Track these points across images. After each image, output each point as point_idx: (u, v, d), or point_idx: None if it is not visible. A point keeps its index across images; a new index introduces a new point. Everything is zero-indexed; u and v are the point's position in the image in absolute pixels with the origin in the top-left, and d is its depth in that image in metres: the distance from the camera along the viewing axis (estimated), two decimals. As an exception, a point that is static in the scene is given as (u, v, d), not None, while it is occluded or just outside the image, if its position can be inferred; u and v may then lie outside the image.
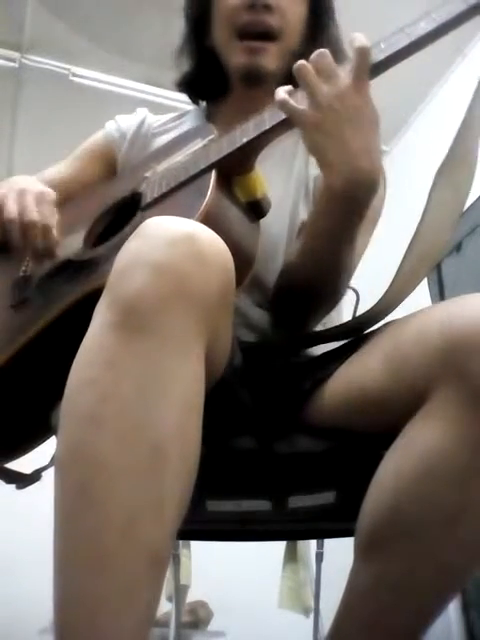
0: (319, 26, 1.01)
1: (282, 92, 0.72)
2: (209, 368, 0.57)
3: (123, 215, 0.83)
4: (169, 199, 0.77)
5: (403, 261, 0.71)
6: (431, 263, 0.77)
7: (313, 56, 0.71)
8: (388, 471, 0.62)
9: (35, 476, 0.90)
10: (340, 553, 1.00)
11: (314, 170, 1.01)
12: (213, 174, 0.73)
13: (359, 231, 0.77)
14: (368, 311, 0.76)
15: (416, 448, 0.60)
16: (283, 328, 0.89)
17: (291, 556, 1.82)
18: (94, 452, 0.51)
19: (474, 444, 0.57)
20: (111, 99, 2.67)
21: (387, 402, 0.66)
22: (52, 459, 0.87)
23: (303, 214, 0.98)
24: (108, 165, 1.07)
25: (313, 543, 1.47)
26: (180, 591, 1.70)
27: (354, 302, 1.24)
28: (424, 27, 0.69)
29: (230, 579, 2.44)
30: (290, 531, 1.02)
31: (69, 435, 0.53)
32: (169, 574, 1.62)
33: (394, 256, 0.75)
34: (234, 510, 0.75)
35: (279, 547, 1.83)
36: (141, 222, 0.59)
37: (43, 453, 0.86)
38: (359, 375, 0.70)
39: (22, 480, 0.90)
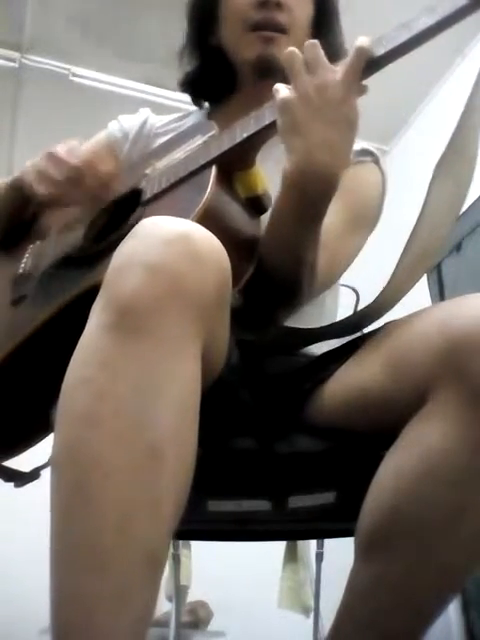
0: (324, 27, 1.01)
1: (281, 85, 0.72)
2: (206, 367, 0.57)
3: (123, 211, 0.83)
4: (169, 195, 0.77)
5: (402, 256, 0.71)
6: (431, 258, 0.77)
7: (306, 45, 0.72)
8: (388, 471, 0.62)
9: (34, 474, 0.90)
10: (340, 553, 1.00)
11: None
12: (213, 170, 0.73)
13: (318, 227, 0.76)
14: (367, 307, 0.76)
15: (416, 448, 0.60)
16: (252, 318, 0.88)
17: (291, 556, 1.82)
18: (90, 452, 0.51)
19: (474, 444, 0.57)
20: (111, 99, 2.67)
21: (387, 402, 0.66)
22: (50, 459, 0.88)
23: None
24: (114, 157, 1.07)
25: (313, 543, 1.47)
26: (180, 591, 1.70)
27: (354, 302, 1.24)
28: (426, 21, 0.69)
29: (230, 579, 2.44)
30: (290, 531, 1.02)
31: (65, 435, 0.53)
32: (169, 574, 1.62)
33: (394, 255, 0.74)
34: (234, 510, 0.75)
35: (279, 547, 1.83)
36: (141, 218, 0.59)
37: (42, 451, 0.86)
38: (359, 375, 0.70)
39: (21, 478, 0.90)
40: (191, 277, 0.54)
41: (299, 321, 0.94)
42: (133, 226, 0.59)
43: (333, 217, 0.86)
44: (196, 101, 1.11)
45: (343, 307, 1.08)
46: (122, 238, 0.58)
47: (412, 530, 0.59)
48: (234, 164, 0.76)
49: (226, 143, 0.76)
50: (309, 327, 0.88)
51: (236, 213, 0.74)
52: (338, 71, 0.70)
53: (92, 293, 0.57)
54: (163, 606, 1.83)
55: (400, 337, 0.67)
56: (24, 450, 0.88)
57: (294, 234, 0.76)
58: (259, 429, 0.75)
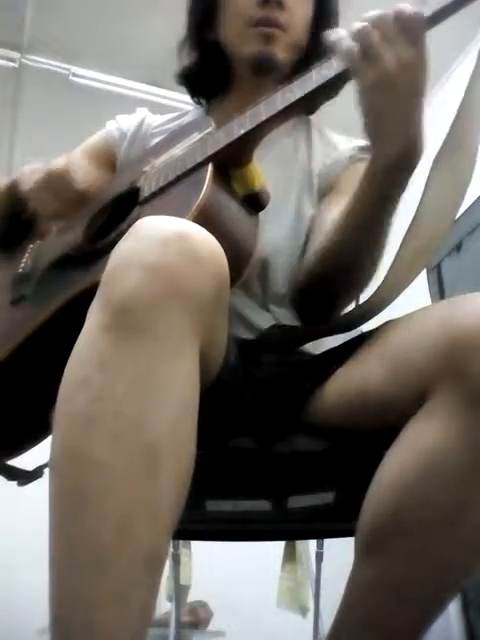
0: (323, 28, 1.01)
1: (339, 35, 0.69)
2: (204, 368, 0.57)
3: (121, 210, 0.83)
4: (166, 193, 0.77)
5: (400, 250, 0.70)
6: (430, 253, 0.76)
7: (375, 18, 0.67)
8: (388, 470, 0.62)
9: (37, 473, 0.90)
10: (340, 553, 1.00)
11: (317, 166, 1.00)
12: (210, 167, 0.73)
13: (400, 197, 0.75)
14: (365, 302, 0.75)
15: (416, 448, 0.60)
16: (311, 314, 0.88)
17: (290, 556, 1.82)
18: (88, 452, 0.50)
19: (474, 443, 0.57)
20: (111, 99, 2.67)
21: (387, 402, 0.66)
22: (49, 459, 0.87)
23: (308, 210, 0.98)
24: (108, 164, 1.07)
25: (313, 543, 1.47)
26: (180, 591, 1.70)
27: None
28: (437, 2, 0.68)
29: (230, 579, 2.44)
30: (290, 531, 1.02)
31: (63, 435, 0.53)
32: (169, 574, 1.62)
33: (393, 252, 0.74)
34: (234, 510, 0.75)
35: (279, 547, 1.83)
36: (139, 216, 0.59)
37: (45, 449, 0.86)
38: (359, 375, 0.70)
39: (24, 477, 0.90)
40: (189, 277, 0.54)
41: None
42: (131, 225, 0.59)
43: None
44: (193, 96, 1.12)
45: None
46: (120, 237, 0.58)
47: (412, 529, 0.59)
48: (231, 161, 0.75)
49: (223, 140, 0.75)
50: (311, 326, 0.88)
51: (234, 210, 0.74)
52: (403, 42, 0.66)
53: (91, 293, 0.57)
54: (163, 606, 1.83)
55: (400, 336, 0.67)
56: (26, 450, 0.88)
57: (383, 214, 0.76)
58: (258, 429, 0.75)
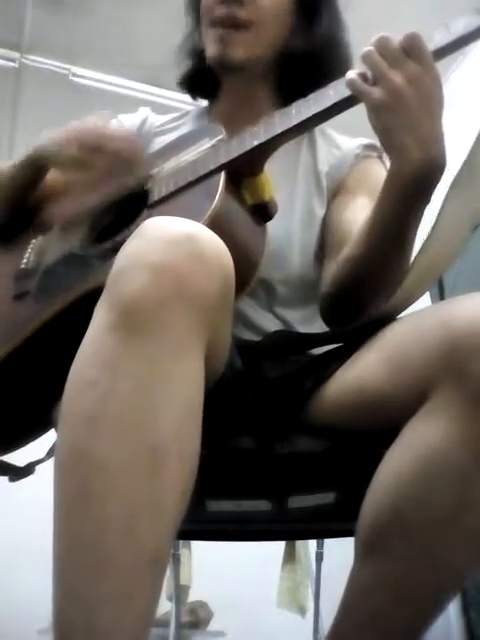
0: (309, 18, 1.01)
1: (352, 73, 0.70)
2: (209, 368, 0.57)
3: (128, 211, 0.83)
4: (177, 199, 0.77)
5: (411, 269, 0.71)
6: (438, 272, 0.77)
7: (375, 42, 0.69)
8: (388, 471, 0.62)
9: (28, 469, 0.90)
10: (340, 553, 1.00)
11: (324, 166, 1.01)
12: (223, 176, 0.73)
13: (422, 216, 0.75)
14: (373, 316, 0.76)
15: (416, 447, 0.60)
16: (340, 320, 0.87)
17: (289, 556, 1.83)
18: (94, 453, 0.51)
19: (474, 443, 0.57)
20: (111, 99, 2.67)
21: (387, 402, 0.66)
22: (48, 453, 0.88)
23: (319, 210, 0.98)
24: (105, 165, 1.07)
25: (313, 543, 1.47)
26: (180, 591, 1.70)
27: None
28: (440, 39, 0.69)
29: (230, 579, 2.44)
30: (290, 531, 1.02)
31: (69, 436, 0.53)
32: (169, 574, 1.62)
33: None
34: (234, 510, 0.75)
35: (279, 547, 1.83)
36: (144, 222, 0.59)
37: (38, 446, 0.86)
38: (359, 375, 0.70)
39: (15, 472, 0.89)
40: (195, 278, 0.54)
41: (313, 324, 0.94)
42: None
43: (364, 213, 0.86)
44: (194, 98, 1.12)
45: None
46: (127, 239, 0.58)
47: (412, 530, 0.59)
48: (242, 170, 0.75)
49: (236, 150, 0.76)
50: (313, 333, 0.89)
51: (243, 219, 0.74)
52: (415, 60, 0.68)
53: (96, 293, 0.57)
54: (163, 606, 1.83)
55: (400, 336, 0.67)
56: (23, 445, 0.88)
57: (406, 227, 0.75)
58: (259, 429, 0.75)
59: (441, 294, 2.31)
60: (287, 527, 0.88)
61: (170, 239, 0.55)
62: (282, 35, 0.98)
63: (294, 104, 0.76)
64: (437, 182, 0.70)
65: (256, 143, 0.75)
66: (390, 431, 0.63)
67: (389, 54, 0.68)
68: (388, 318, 0.73)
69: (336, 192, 0.99)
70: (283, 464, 0.75)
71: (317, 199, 0.98)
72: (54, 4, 2.43)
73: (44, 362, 0.76)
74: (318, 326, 0.93)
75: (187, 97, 1.14)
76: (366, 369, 0.69)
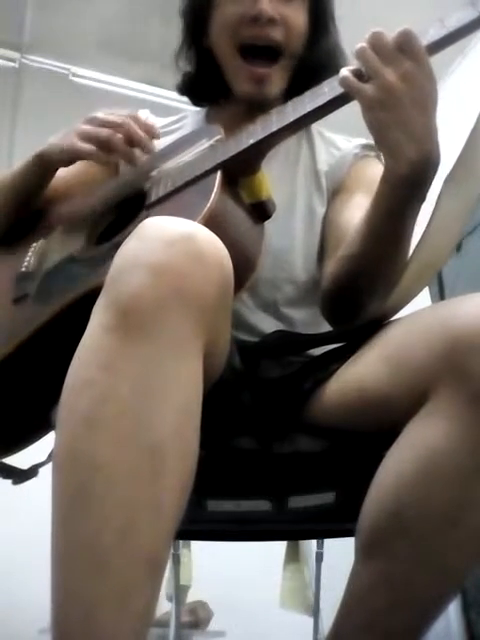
0: (320, 31, 1.00)
1: (345, 70, 0.70)
2: (208, 369, 0.57)
3: (127, 213, 0.83)
4: (174, 199, 0.77)
5: (408, 266, 0.71)
6: (435, 268, 0.77)
7: (369, 38, 0.69)
8: (389, 471, 0.62)
9: (32, 472, 0.90)
10: (340, 553, 1.00)
11: (323, 166, 1.01)
12: (218, 175, 0.73)
13: (419, 208, 0.74)
14: (371, 314, 0.76)
15: (417, 448, 0.60)
16: (341, 318, 0.88)
17: (292, 556, 1.82)
18: (92, 454, 0.51)
19: (475, 444, 0.57)
20: (111, 99, 2.67)
21: (388, 402, 0.66)
22: (50, 456, 0.88)
23: (320, 209, 0.98)
24: (111, 165, 1.07)
25: (313, 543, 1.47)
26: (180, 591, 1.70)
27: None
28: (434, 34, 0.69)
29: (230, 579, 2.44)
30: (290, 531, 1.02)
31: (67, 436, 0.53)
32: (169, 574, 1.62)
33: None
34: (234, 510, 0.75)
35: (280, 547, 1.83)
36: (142, 222, 0.59)
37: (41, 449, 0.86)
38: (360, 375, 0.70)
39: (19, 475, 0.90)
40: (194, 278, 0.54)
41: (319, 324, 0.95)
42: None
43: (362, 212, 0.86)
44: (196, 103, 1.12)
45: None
46: (125, 240, 0.58)
47: (412, 530, 0.59)
48: (239, 169, 0.75)
49: (232, 149, 0.76)
50: (312, 333, 0.89)
51: (240, 219, 0.74)
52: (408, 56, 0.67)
53: (95, 294, 0.57)
54: (163, 606, 1.83)
55: (400, 337, 0.67)
56: (23, 448, 0.88)
57: (402, 225, 0.75)
58: (259, 429, 0.75)
59: (441, 294, 2.31)
60: (287, 527, 0.88)
61: (168, 239, 0.55)
62: (301, 51, 0.97)
63: (290, 102, 0.76)
64: (431, 179, 0.70)
65: (252, 142, 0.75)
66: (390, 432, 0.64)
67: (382, 51, 0.67)
68: (387, 315, 0.73)
69: (336, 191, 0.99)
70: (283, 464, 0.75)
71: (318, 198, 0.98)
72: (54, 4, 2.43)
73: (43, 364, 0.76)
74: (325, 326, 0.93)
75: (187, 98, 1.13)
76: (366, 369, 0.69)
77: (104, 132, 0.84)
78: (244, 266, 0.70)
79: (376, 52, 0.68)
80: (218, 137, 0.83)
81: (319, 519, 0.79)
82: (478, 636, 1.83)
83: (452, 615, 1.86)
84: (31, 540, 1.66)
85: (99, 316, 0.55)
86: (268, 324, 0.93)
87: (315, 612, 1.42)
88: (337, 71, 0.97)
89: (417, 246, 0.70)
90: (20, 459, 0.89)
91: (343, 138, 1.07)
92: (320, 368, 0.77)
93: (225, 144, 0.79)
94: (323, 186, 0.99)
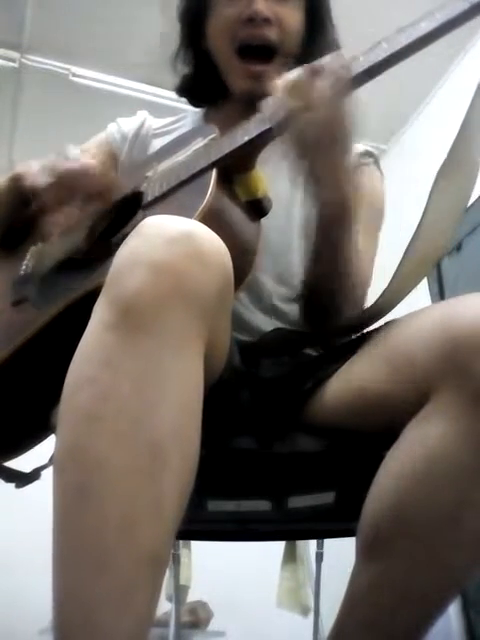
0: (317, 30, 1.01)
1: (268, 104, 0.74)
2: (208, 367, 0.57)
3: (124, 214, 0.83)
4: (170, 198, 0.77)
5: (402, 261, 0.71)
6: (430, 264, 0.77)
7: (289, 74, 0.72)
8: (390, 471, 0.62)
9: (34, 475, 0.90)
10: (340, 553, 1.00)
11: None
12: (214, 173, 0.73)
13: (353, 229, 0.78)
14: (367, 309, 0.76)
15: (418, 448, 0.60)
16: (315, 323, 0.90)
17: (290, 556, 1.82)
18: (93, 452, 0.51)
19: (475, 444, 0.57)
20: (111, 99, 2.67)
21: (388, 402, 0.66)
22: (51, 458, 0.88)
23: None
24: (110, 166, 1.07)
25: (313, 543, 1.47)
26: (180, 591, 1.70)
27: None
28: (426, 26, 0.69)
29: (230, 579, 2.44)
30: (290, 531, 1.02)
31: (67, 434, 0.53)
32: (169, 574, 1.62)
33: (393, 256, 0.74)
34: (234, 510, 0.75)
35: (279, 547, 1.83)
36: (142, 221, 0.59)
37: (42, 452, 0.86)
38: (360, 375, 0.70)
39: (21, 479, 0.90)
40: (194, 276, 0.54)
41: None
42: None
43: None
44: (193, 105, 1.12)
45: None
46: (123, 241, 0.58)
47: (413, 530, 0.59)
48: (235, 167, 0.76)
49: (227, 146, 0.76)
50: (312, 332, 0.89)
51: (236, 216, 0.74)
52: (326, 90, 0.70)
53: (93, 296, 0.57)
54: (163, 606, 1.83)
55: (401, 337, 0.67)
56: (24, 451, 0.88)
57: (341, 245, 0.79)
58: (259, 429, 0.75)
59: (441, 294, 2.31)
60: (287, 527, 0.88)
61: (169, 237, 0.55)
62: (298, 51, 0.98)
63: None
64: (348, 216, 0.76)
65: (246, 139, 0.75)
66: (390, 432, 0.63)
67: (299, 87, 0.72)
68: (383, 312, 0.73)
69: None
70: (283, 464, 0.75)
71: None
72: (54, 4, 2.43)
73: (44, 366, 0.76)
74: None
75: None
76: (367, 369, 0.69)
77: (60, 170, 0.83)
78: (241, 264, 0.70)
79: (293, 87, 0.72)
80: (212, 136, 0.83)
81: (319, 519, 0.79)
82: (478, 636, 1.83)
83: (452, 615, 1.86)
84: (31, 539, 1.66)
85: (100, 314, 0.55)
86: (266, 323, 0.93)
87: (315, 612, 1.42)
88: None
89: (411, 241, 0.70)
90: (22, 463, 0.89)
91: None
92: (320, 368, 0.77)
93: (220, 142, 0.79)
94: None
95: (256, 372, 0.80)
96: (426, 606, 0.61)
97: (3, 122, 2.83)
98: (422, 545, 0.59)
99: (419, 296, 0.76)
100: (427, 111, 2.83)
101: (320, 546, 1.36)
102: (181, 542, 1.59)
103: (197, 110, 1.12)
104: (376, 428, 0.68)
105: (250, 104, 0.96)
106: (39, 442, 0.86)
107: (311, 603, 1.76)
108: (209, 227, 0.59)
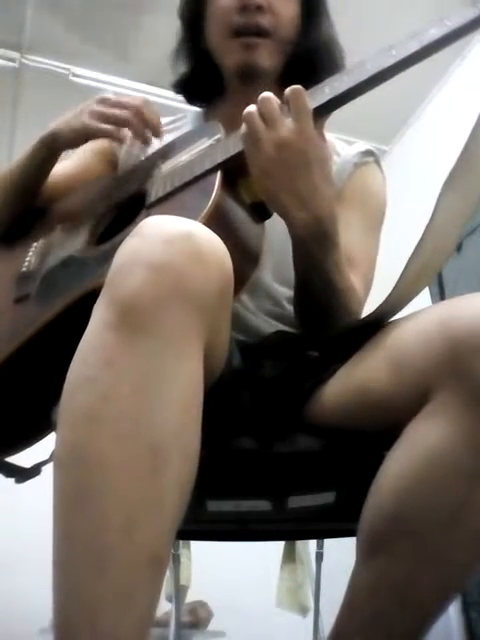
0: (311, 23, 1.02)
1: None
2: (208, 367, 0.57)
3: (127, 213, 0.83)
4: (174, 199, 0.77)
5: (408, 265, 0.71)
6: (435, 268, 0.77)
7: (260, 99, 0.73)
8: (390, 471, 0.62)
9: (35, 470, 0.90)
10: (340, 553, 1.00)
11: None
12: (219, 175, 0.73)
13: (335, 252, 0.78)
14: (370, 315, 0.76)
15: (418, 448, 0.60)
16: (307, 327, 0.90)
17: (289, 556, 1.82)
18: (93, 452, 0.51)
19: (476, 444, 0.57)
20: (111, 99, 2.67)
21: (388, 402, 0.66)
22: (52, 455, 0.88)
23: None
24: (110, 164, 1.07)
25: (313, 543, 1.47)
26: (180, 591, 1.70)
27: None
28: (435, 33, 0.69)
29: (230, 579, 2.44)
30: (290, 531, 1.02)
31: (68, 434, 0.53)
32: (169, 574, 1.62)
33: (393, 256, 0.74)
34: (234, 510, 0.75)
35: (279, 547, 1.83)
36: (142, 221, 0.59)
37: (43, 447, 0.86)
38: (360, 375, 0.70)
39: (21, 474, 0.90)
40: (194, 276, 0.54)
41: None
42: None
43: (355, 229, 0.87)
44: (191, 103, 1.12)
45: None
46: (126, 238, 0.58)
47: (413, 530, 0.59)
48: (239, 169, 0.76)
49: (232, 148, 0.76)
50: (313, 334, 0.89)
51: (241, 218, 0.74)
52: (290, 120, 0.71)
53: (95, 294, 0.57)
54: (163, 606, 1.83)
55: (401, 337, 0.67)
56: (26, 447, 0.88)
57: (321, 270, 0.79)
58: (259, 429, 0.75)
59: (441, 294, 2.31)
60: (287, 527, 0.88)
61: (168, 237, 0.55)
62: (293, 40, 0.99)
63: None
64: (329, 235, 0.75)
65: None
66: (391, 431, 0.63)
67: (268, 115, 0.72)
68: (387, 316, 0.73)
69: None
70: (283, 464, 0.75)
71: None
72: (54, 4, 2.43)
73: (45, 364, 0.76)
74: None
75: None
76: (367, 369, 0.69)
77: (118, 112, 0.87)
78: (244, 266, 0.70)
79: (261, 115, 0.72)
80: (218, 136, 0.83)
81: (319, 519, 0.79)
82: (478, 636, 1.83)
83: (452, 615, 1.86)
84: (32, 539, 1.66)
85: (100, 314, 0.55)
86: (267, 324, 0.93)
87: (315, 612, 1.42)
88: (332, 61, 1.00)
89: (417, 247, 0.70)
90: (23, 458, 0.89)
91: (343, 143, 1.07)
92: (320, 368, 0.77)
93: (225, 143, 0.79)
94: None
95: (256, 372, 0.80)
96: (426, 606, 0.61)
97: (3, 122, 2.83)
98: (422, 545, 0.59)
99: (419, 296, 0.76)
100: (427, 111, 2.84)
101: (320, 546, 1.36)
102: (181, 542, 1.58)
103: (197, 110, 1.12)
104: (376, 428, 0.68)
105: (246, 88, 0.97)
106: (40, 439, 0.86)
107: (310, 603, 1.76)
108: (213, 229, 0.59)
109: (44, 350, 0.76)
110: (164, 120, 1.11)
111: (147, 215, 0.76)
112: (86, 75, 2.70)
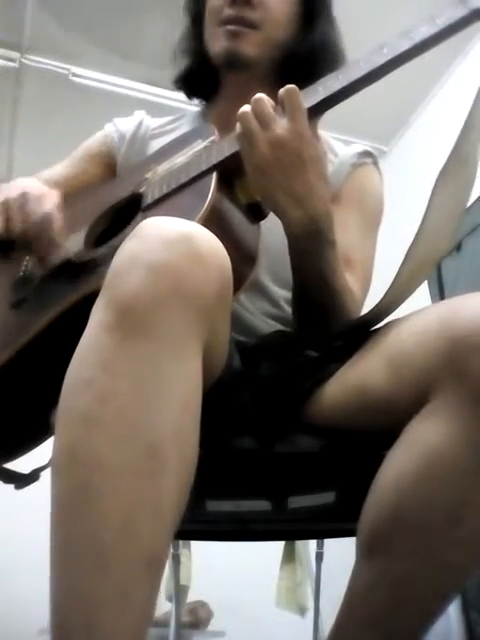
0: (310, 23, 1.02)
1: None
2: (207, 368, 0.57)
3: (123, 216, 0.83)
4: (170, 200, 0.77)
5: (403, 264, 0.71)
6: (431, 266, 0.77)
7: (252, 100, 0.73)
8: (389, 471, 0.62)
9: (33, 476, 0.90)
10: (340, 553, 1.00)
11: None
12: (214, 176, 0.73)
13: (330, 251, 0.78)
14: (367, 313, 0.76)
15: (418, 448, 0.60)
16: (306, 332, 0.90)
17: (288, 556, 1.83)
18: (91, 453, 0.51)
19: (476, 444, 0.57)
20: (111, 99, 2.67)
21: (388, 402, 0.66)
22: (50, 460, 0.88)
23: None
24: (107, 166, 1.07)
25: (313, 543, 1.47)
26: (180, 591, 1.70)
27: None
28: (426, 31, 0.69)
29: (230, 579, 2.44)
30: (290, 531, 1.02)
31: (66, 435, 0.53)
32: (169, 574, 1.62)
33: (392, 257, 0.74)
34: (234, 510, 0.75)
35: (279, 547, 1.83)
36: (141, 222, 0.59)
37: (42, 453, 0.86)
38: (360, 375, 0.70)
39: (20, 480, 0.90)
40: (193, 277, 0.54)
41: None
42: None
43: (352, 230, 0.87)
44: (191, 98, 1.12)
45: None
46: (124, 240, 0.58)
47: (413, 530, 0.59)
48: (235, 170, 0.76)
49: (227, 149, 0.76)
50: (312, 333, 0.89)
51: (237, 219, 0.74)
52: (285, 119, 0.72)
53: (93, 297, 0.57)
54: (163, 606, 1.84)
55: (400, 336, 0.67)
56: (24, 453, 0.88)
57: (318, 271, 0.79)
58: (258, 429, 0.75)
59: (441, 294, 2.31)
60: (287, 527, 0.88)
61: (167, 239, 0.55)
62: (285, 38, 1.00)
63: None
64: (324, 233, 0.76)
65: None
66: (391, 431, 0.63)
67: (261, 115, 0.72)
68: (383, 314, 0.73)
69: (331, 200, 0.99)
70: (283, 464, 0.75)
71: None
72: (54, 4, 2.43)
73: (43, 368, 0.76)
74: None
75: (186, 98, 1.14)
76: (367, 369, 0.69)
77: (20, 223, 0.83)
78: (242, 266, 0.70)
79: (256, 115, 0.72)
80: (212, 137, 0.83)
81: (319, 519, 0.79)
82: (478, 636, 1.83)
83: (452, 615, 1.86)
84: (31, 540, 1.66)
85: (98, 315, 0.55)
86: (266, 325, 0.93)
87: (315, 612, 1.42)
88: (329, 63, 1.00)
89: (412, 244, 0.70)
90: (21, 464, 0.89)
91: (341, 143, 1.08)
92: (320, 368, 0.77)
93: (219, 145, 0.79)
94: None
95: (256, 372, 0.80)
96: (426, 606, 0.61)
97: (3, 122, 2.83)
98: (422, 545, 0.59)
99: (419, 296, 0.76)
100: (427, 112, 2.83)
101: (320, 546, 1.37)
102: (181, 542, 1.59)
103: (195, 109, 1.12)
104: (376, 428, 0.68)
105: (238, 90, 0.98)
106: (39, 443, 0.86)
107: (308, 603, 1.77)
108: (210, 230, 0.59)
109: (42, 354, 0.76)
110: (162, 121, 1.11)
111: (143, 217, 0.77)
112: (86, 75, 2.70)
